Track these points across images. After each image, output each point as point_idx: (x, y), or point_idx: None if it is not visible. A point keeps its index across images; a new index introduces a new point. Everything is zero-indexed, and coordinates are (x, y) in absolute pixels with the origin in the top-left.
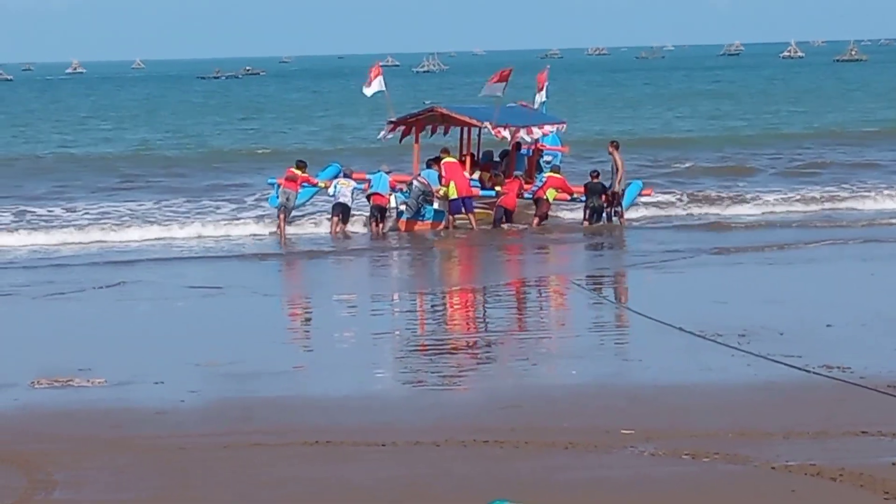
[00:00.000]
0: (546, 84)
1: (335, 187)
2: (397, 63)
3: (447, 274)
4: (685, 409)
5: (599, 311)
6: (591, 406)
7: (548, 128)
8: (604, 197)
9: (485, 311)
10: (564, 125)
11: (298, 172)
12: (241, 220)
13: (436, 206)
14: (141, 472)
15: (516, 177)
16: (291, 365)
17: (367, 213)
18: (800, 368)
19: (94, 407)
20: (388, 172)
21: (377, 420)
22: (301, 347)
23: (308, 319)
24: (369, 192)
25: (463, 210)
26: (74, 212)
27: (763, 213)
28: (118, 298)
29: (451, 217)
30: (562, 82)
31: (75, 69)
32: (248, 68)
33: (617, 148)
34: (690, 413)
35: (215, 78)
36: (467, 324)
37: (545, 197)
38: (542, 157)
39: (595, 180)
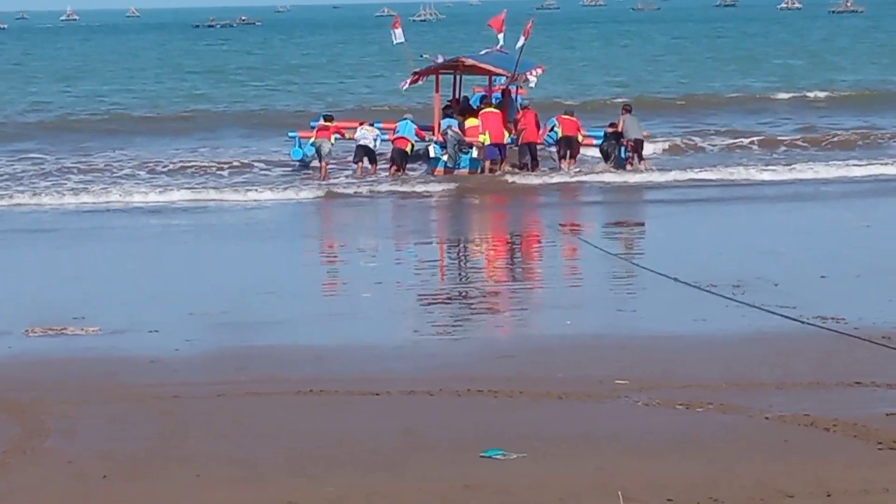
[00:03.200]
0: (503, 31)
1: (359, 131)
2: (393, 13)
3: (448, 225)
4: (679, 360)
5: (594, 262)
6: (585, 356)
7: (536, 72)
8: (625, 142)
9: (482, 262)
10: (543, 69)
11: (329, 125)
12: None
13: (474, 154)
14: (135, 421)
15: (527, 107)
16: (286, 314)
17: (389, 157)
18: (794, 319)
19: (89, 355)
20: (412, 121)
21: (371, 369)
22: (296, 297)
23: (305, 268)
24: (394, 137)
25: (499, 155)
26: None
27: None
28: (112, 247)
29: (486, 162)
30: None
31: (69, 16)
32: (243, 17)
33: (629, 111)
34: (684, 363)
35: (209, 27)
36: (463, 274)
37: (577, 138)
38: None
39: (611, 130)
